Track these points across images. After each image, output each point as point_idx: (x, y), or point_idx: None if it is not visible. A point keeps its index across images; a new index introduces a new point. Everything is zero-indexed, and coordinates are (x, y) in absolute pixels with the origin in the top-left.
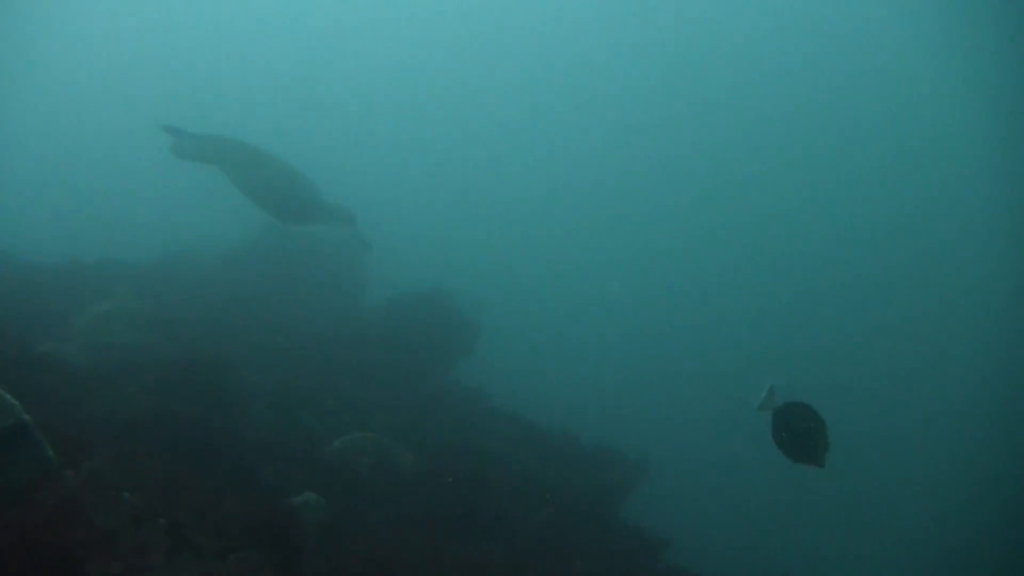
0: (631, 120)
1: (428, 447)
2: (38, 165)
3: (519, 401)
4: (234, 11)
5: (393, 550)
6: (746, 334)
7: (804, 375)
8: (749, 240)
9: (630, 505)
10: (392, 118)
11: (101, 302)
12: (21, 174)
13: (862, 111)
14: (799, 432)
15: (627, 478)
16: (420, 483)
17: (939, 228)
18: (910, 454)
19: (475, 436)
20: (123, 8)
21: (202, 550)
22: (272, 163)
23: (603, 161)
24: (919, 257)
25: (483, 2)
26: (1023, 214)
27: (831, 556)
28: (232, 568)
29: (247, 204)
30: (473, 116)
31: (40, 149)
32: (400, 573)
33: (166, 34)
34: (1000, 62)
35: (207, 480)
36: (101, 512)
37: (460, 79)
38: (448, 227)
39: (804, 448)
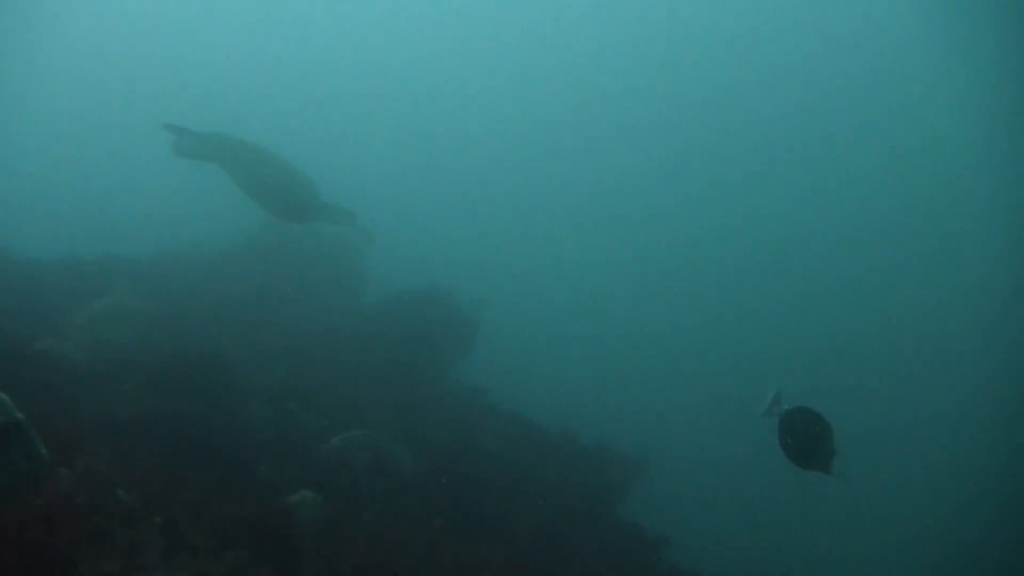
0: (633, 119)
1: (427, 445)
2: (37, 161)
3: (519, 400)
4: (234, 9)
5: (390, 549)
6: (745, 332)
7: (803, 373)
8: (748, 239)
9: (629, 504)
10: (392, 117)
11: (99, 299)
12: (20, 170)
13: (864, 111)
14: (805, 438)
15: (626, 477)
16: (418, 482)
17: (939, 228)
18: (910, 454)
19: (474, 434)
20: (123, 5)
21: (198, 549)
22: (272, 162)
23: (604, 160)
24: (918, 256)
25: (483, 1)
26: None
27: (831, 556)
28: (228, 567)
29: (247, 202)
30: (474, 115)
31: (39, 145)
32: (398, 573)
33: (166, 31)
34: (1000, 62)
35: (203, 478)
36: (95, 510)
37: (461, 77)
38: (447, 225)
39: (811, 454)
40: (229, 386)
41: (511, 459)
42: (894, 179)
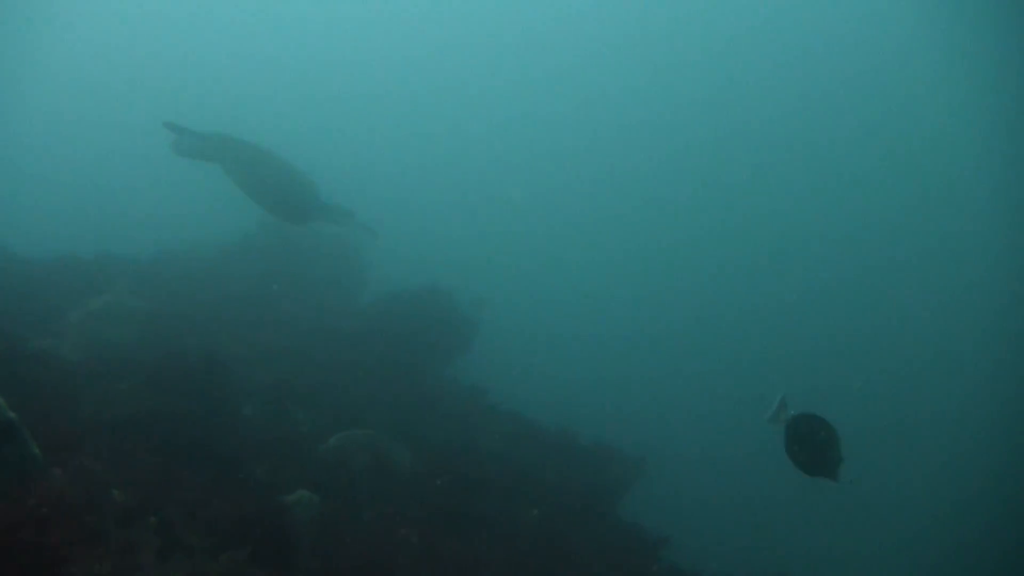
0: (634, 118)
1: (425, 445)
2: (36, 160)
3: (518, 399)
4: (234, 8)
5: (388, 549)
6: (745, 332)
7: (803, 373)
8: (747, 238)
9: (629, 503)
10: (393, 116)
11: (97, 298)
12: (19, 169)
13: (865, 110)
14: (812, 445)
15: (626, 476)
16: (417, 482)
17: (939, 228)
18: (909, 453)
19: (473, 434)
20: (121, 3)
21: (193, 549)
22: (272, 162)
23: (604, 159)
24: (918, 256)
25: (483, 0)
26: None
27: (831, 555)
28: (223, 567)
29: (246, 201)
30: (474, 115)
31: (38, 144)
32: (395, 572)
33: (164, 30)
34: (1000, 61)
35: (199, 477)
36: (88, 510)
37: (463, 76)
38: (447, 224)
39: (818, 461)
40: (226, 385)
41: (510, 458)
42: (894, 179)
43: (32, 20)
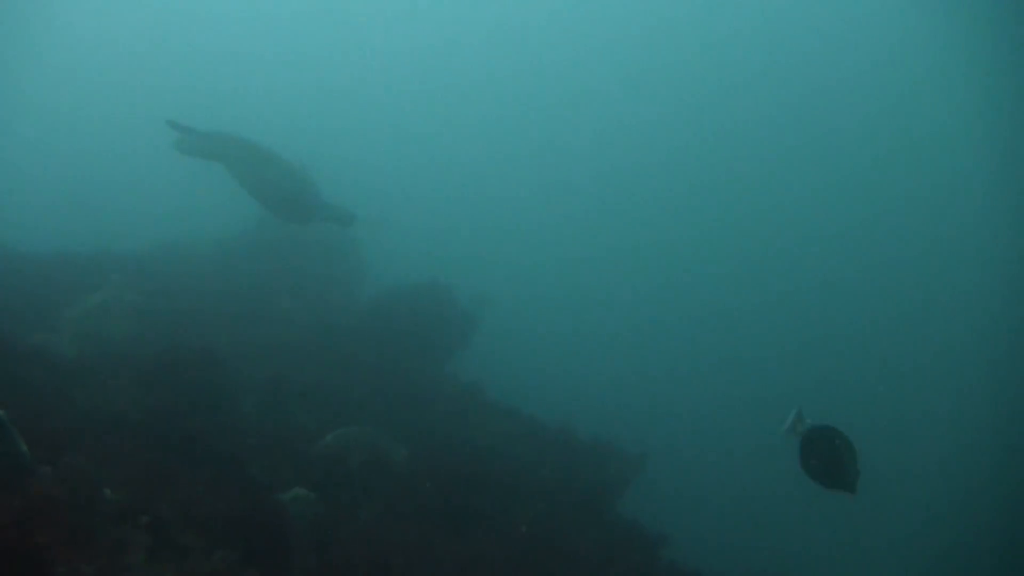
0: (636, 116)
1: (423, 442)
2: (33, 156)
3: (517, 396)
4: (236, 6)
5: (385, 547)
6: (745, 331)
7: (802, 371)
8: (747, 237)
9: (628, 500)
10: (396, 115)
11: (94, 293)
12: (16, 165)
13: (864, 110)
14: (830, 459)
15: (625, 473)
16: (414, 478)
17: (939, 228)
18: (909, 453)
19: (471, 431)
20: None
21: (186, 548)
22: (277, 162)
23: (604, 157)
24: (918, 256)
25: None
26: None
27: (830, 554)
28: (217, 566)
29: (246, 198)
30: (475, 114)
31: (35, 140)
32: (393, 570)
33: (162, 28)
34: (1000, 61)
35: (194, 475)
36: (76, 509)
37: (465, 71)
38: (448, 221)
39: (835, 475)
40: (223, 381)
41: (509, 455)
42: (894, 178)
43: (28, 15)
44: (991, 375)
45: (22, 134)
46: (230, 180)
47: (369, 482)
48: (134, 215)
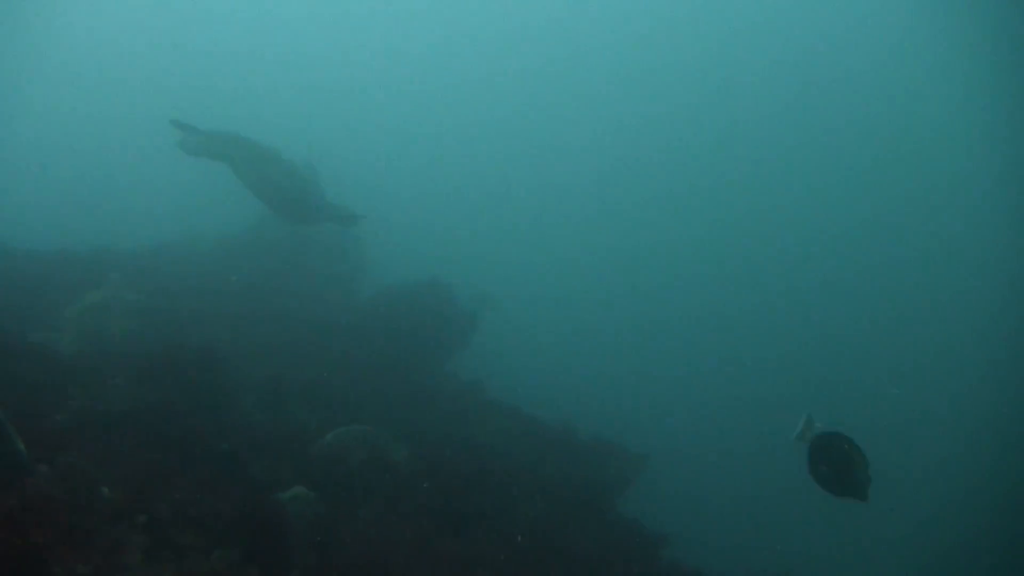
0: (637, 116)
1: (423, 440)
2: (34, 155)
3: (518, 394)
4: (239, 5)
5: (385, 546)
6: (746, 330)
7: (802, 371)
8: (747, 237)
9: (629, 499)
10: (397, 114)
11: (94, 291)
12: (17, 164)
13: (865, 109)
14: (839, 466)
15: (626, 473)
16: (414, 478)
17: (939, 228)
18: (909, 452)
19: (472, 430)
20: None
21: (184, 547)
22: (280, 163)
23: (607, 157)
24: (917, 255)
25: None
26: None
27: (830, 554)
28: (216, 566)
29: (247, 197)
30: (476, 114)
31: (36, 139)
32: (393, 570)
33: (162, 27)
34: (1000, 61)
35: (193, 474)
36: (73, 508)
37: (468, 71)
38: (449, 220)
39: (845, 482)
40: (223, 380)
41: (509, 454)
42: (895, 179)
43: (29, 14)
44: (991, 375)
45: (22, 134)
46: (233, 179)
47: (369, 481)
48: (134, 214)
